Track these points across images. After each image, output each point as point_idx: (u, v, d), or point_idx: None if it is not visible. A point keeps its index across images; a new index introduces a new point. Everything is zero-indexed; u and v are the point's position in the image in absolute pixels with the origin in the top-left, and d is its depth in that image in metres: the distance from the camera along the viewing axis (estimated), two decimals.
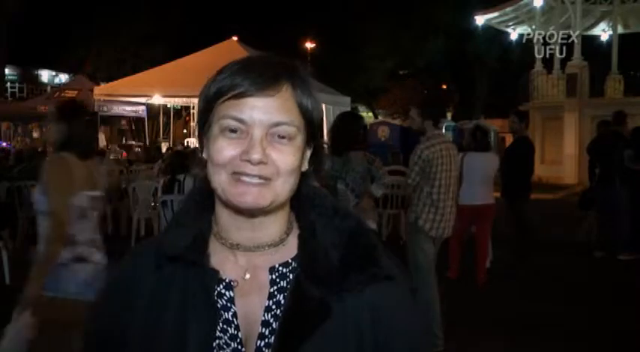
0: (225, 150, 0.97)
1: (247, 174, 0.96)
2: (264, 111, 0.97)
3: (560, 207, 13.17)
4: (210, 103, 1.01)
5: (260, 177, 0.97)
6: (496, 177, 7.49)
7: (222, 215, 1.03)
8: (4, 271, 6.85)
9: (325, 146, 1.10)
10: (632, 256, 8.30)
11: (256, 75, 0.98)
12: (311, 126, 1.03)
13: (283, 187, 0.99)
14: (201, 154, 1.04)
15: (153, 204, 8.97)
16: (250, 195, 0.97)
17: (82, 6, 27.30)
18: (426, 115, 4.96)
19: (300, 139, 1.00)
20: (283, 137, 0.98)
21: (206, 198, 1.06)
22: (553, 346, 5.25)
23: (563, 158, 18.91)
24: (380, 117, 32.21)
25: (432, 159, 4.85)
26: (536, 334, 5.48)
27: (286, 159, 0.98)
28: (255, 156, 0.95)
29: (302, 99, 1.01)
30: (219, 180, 0.98)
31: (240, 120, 0.97)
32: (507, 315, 5.95)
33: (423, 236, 4.91)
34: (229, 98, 0.98)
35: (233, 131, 0.98)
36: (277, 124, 0.98)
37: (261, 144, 0.96)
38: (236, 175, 0.97)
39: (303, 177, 1.05)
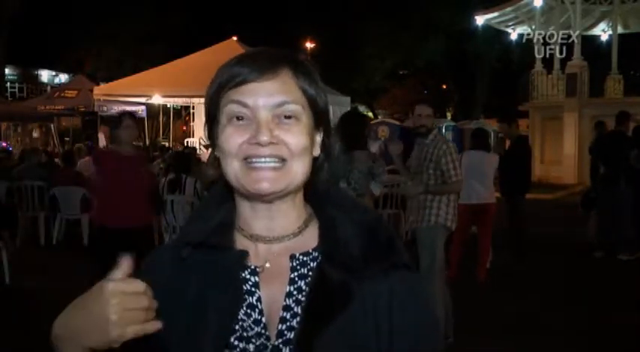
0: (232, 137, 0.99)
1: (258, 156, 0.98)
2: (265, 93, 0.99)
3: (560, 207, 13.18)
4: (213, 98, 1.03)
5: (274, 156, 0.98)
6: (496, 176, 7.50)
7: (241, 205, 1.05)
8: (4, 271, 6.84)
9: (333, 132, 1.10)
10: (632, 256, 8.30)
11: (254, 62, 1.00)
12: (316, 110, 1.04)
13: (298, 168, 1.00)
14: (214, 152, 1.05)
15: None
16: (266, 181, 0.98)
17: (81, 6, 27.27)
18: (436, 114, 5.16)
19: (306, 118, 1.01)
20: (289, 117, 1.00)
21: (225, 193, 1.07)
22: (553, 346, 5.25)
23: (562, 158, 18.91)
24: (380, 117, 32.16)
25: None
26: (536, 334, 5.48)
27: (296, 138, 0.99)
28: (264, 138, 0.97)
29: (303, 82, 1.02)
30: (233, 169, 1.00)
31: (244, 104, 0.99)
32: (506, 315, 5.95)
33: (442, 233, 5.02)
34: (231, 88, 1.00)
35: (240, 118, 0.99)
36: (281, 104, 0.99)
37: (267, 125, 0.98)
38: (248, 161, 0.98)
39: (316, 165, 1.06)
